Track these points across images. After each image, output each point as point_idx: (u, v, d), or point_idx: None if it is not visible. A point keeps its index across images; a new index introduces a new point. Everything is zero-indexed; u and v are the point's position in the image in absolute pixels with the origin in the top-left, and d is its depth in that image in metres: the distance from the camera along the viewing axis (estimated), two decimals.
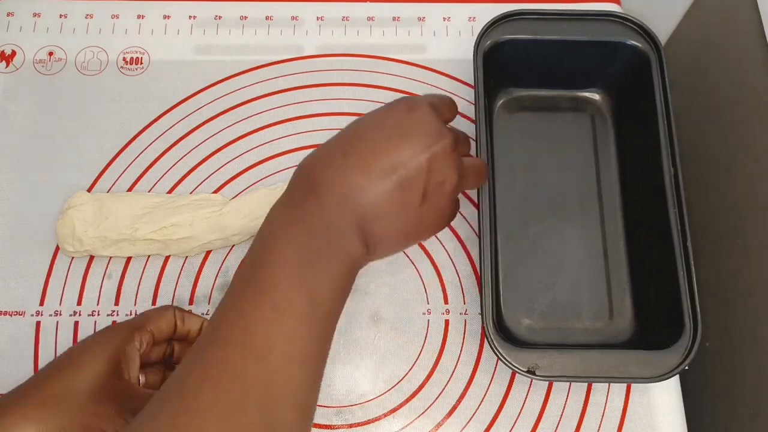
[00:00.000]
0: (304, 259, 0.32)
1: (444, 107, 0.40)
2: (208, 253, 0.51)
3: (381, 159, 0.35)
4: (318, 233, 0.33)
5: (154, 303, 0.50)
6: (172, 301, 0.50)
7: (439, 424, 0.47)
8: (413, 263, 0.52)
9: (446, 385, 0.48)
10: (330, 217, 0.33)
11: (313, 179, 0.35)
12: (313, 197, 0.34)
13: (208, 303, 0.50)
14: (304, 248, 0.32)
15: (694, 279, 0.45)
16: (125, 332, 0.41)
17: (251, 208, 0.50)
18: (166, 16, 0.59)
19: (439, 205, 0.37)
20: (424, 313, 0.50)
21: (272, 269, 0.32)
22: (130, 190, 0.53)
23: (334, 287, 0.33)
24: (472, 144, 0.54)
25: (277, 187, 0.52)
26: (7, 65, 0.57)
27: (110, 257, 0.51)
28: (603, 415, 0.48)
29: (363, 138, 0.36)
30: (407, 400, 0.48)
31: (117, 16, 0.59)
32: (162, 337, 0.43)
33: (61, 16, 0.59)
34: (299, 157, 0.54)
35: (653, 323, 0.49)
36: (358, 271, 0.35)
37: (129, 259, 0.51)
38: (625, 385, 0.48)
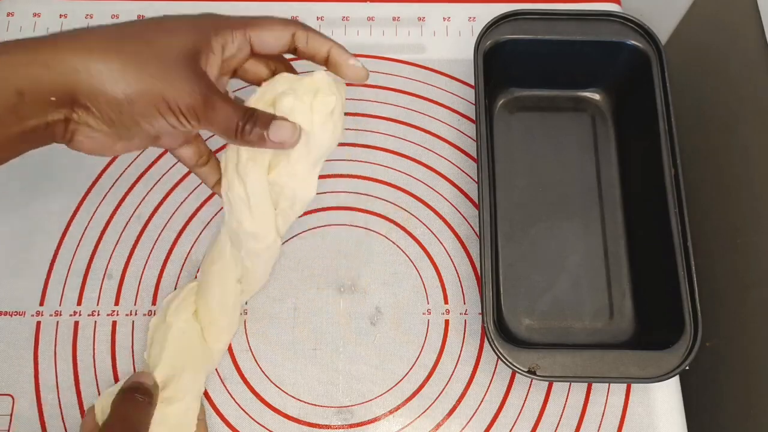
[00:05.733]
0: None
1: None
2: None
3: None
4: None
5: (153, 303, 0.50)
6: None
7: (439, 424, 0.47)
8: (413, 263, 0.52)
9: (446, 385, 0.48)
10: None
11: None
12: None
13: None
14: None
15: (695, 279, 0.45)
16: (218, 23, 0.38)
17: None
18: None
19: None
20: (424, 313, 0.50)
21: None
22: (131, 189, 0.53)
23: None
24: (473, 144, 0.54)
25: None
26: None
27: (110, 256, 0.51)
28: (603, 415, 0.48)
29: None
30: (407, 400, 0.48)
31: (117, 16, 0.59)
32: (264, 50, 0.39)
33: (61, 16, 0.59)
34: None
35: (653, 323, 0.49)
36: None
37: (129, 259, 0.51)
38: (625, 385, 0.48)
